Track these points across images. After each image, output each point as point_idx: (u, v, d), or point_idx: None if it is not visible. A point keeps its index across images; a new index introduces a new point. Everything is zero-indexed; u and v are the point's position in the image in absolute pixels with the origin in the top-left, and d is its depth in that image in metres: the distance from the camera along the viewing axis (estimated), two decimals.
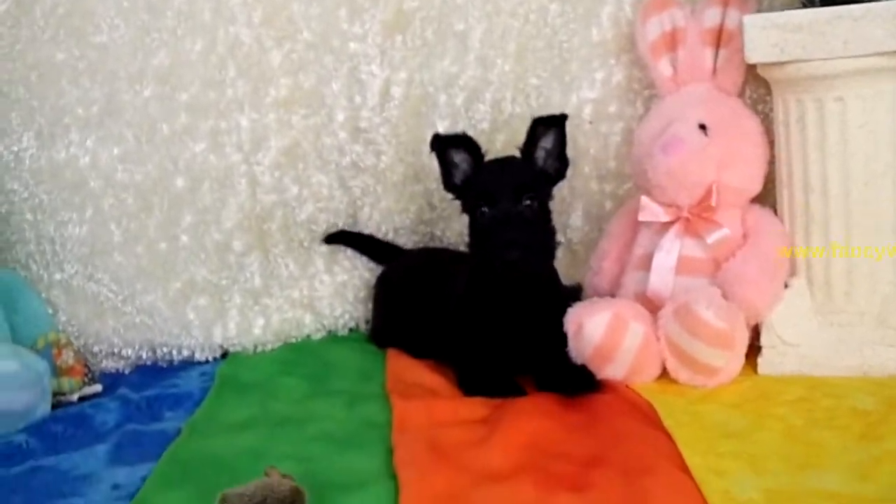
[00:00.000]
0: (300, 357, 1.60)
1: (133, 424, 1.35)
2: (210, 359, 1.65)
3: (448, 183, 1.45)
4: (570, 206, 1.67)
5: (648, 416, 1.22)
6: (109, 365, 1.63)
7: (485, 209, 1.38)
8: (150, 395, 1.48)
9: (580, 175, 1.63)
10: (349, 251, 1.76)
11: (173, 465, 1.17)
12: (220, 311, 1.66)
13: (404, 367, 1.48)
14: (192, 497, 1.07)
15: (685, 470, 1.05)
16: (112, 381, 1.56)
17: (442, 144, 1.45)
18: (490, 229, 1.36)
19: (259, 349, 1.66)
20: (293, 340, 1.69)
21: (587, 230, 1.68)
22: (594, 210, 1.65)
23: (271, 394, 1.44)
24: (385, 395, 1.37)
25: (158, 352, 1.64)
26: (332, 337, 1.72)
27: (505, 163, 1.43)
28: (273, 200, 1.68)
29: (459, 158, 1.44)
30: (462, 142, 1.44)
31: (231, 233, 1.66)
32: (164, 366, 1.64)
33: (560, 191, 1.54)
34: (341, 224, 1.74)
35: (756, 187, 1.46)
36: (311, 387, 1.46)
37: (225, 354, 1.65)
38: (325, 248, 1.74)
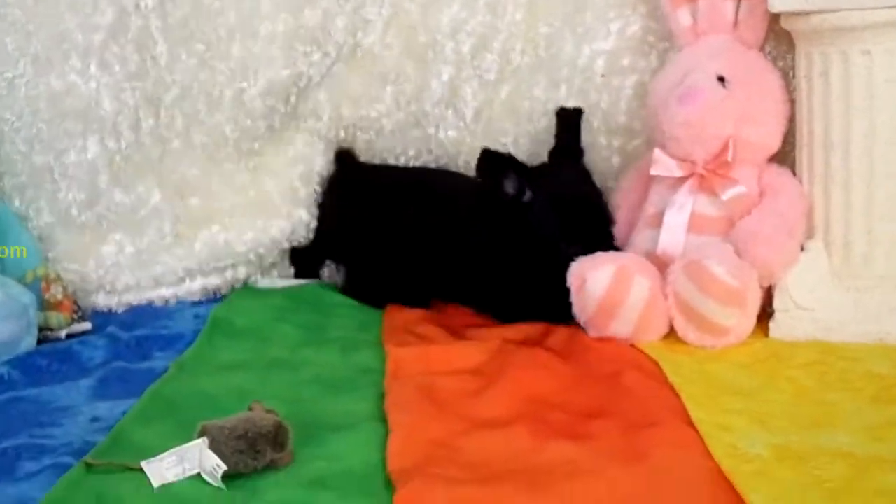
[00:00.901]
0: (297, 304, 1.55)
1: (120, 362, 1.30)
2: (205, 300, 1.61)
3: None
4: None
5: (653, 373, 1.17)
6: (101, 303, 1.58)
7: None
8: (141, 335, 1.43)
9: (589, 130, 1.57)
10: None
11: (156, 401, 1.13)
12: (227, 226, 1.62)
13: (403, 319, 1.43)
14: (172, 430, 1.02)
15: (690, 424, 1.00)
16: (103, 320, 1.51)
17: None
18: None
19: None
20: None
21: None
22: (601, 165, 1.59)
23: (265, 339, 1.39)
24: (381, 344, 1.32)
25: (152, 292, 1.59)
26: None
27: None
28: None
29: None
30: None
31: None
32: (160, 305, 1.59)
33: None
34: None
35: (775, 144, 1.40)
36: (307, 334, 1.41)
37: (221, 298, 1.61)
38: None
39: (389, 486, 0.89)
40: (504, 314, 1.42)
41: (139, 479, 0.93)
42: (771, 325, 1.31)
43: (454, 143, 1.63)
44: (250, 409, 0.98)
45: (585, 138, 1.53)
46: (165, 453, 0.94)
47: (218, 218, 1.62)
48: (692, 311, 1.27)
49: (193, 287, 1.60)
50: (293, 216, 1.65)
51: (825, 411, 1.04)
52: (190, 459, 0.94)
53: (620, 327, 1.30)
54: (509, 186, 1.39)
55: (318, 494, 0.89)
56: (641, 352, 1.25)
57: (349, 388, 1.17)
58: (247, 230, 1.61)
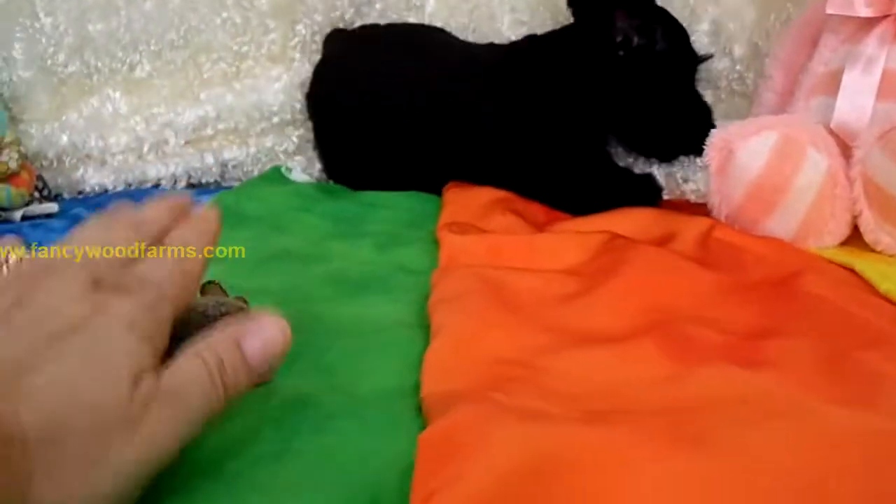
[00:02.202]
0: (331, 195, 1.17)
1: None
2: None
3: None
4: (695, 16, 1.19)
5: (846, 279, 0.76)
6: (92, 180, 1.22)
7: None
8: None
9: None
10: None
11: None
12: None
13: (470, 209, 1.02)
14: None
15: None
16: (72, 204, 1.16)
17: None
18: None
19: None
20: None
21: (718, 53, 1.19)
22: (729, 18, 1.18)
23: (281, 229, 1.01)
24: (433, 241, 0.93)
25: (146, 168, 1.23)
26: None
27: None
28: None
29: None
30: None
31: None
32: (153, 187, 1.23)
33: None
34: None
35: None
36: (336, 226, 1.03)
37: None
38: None
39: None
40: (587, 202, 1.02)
41: None
42: None
43: None
44: (203, 292, 0.60)
45: None
46: None
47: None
48: (891, 202, 0.85)
49: (206, 161, 1.24)
50: None
51: None
52: None
53: (781, 223, 0.89)
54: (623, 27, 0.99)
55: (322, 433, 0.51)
56: (820, 255, 0.84)
57: (379, 289, 0.78)
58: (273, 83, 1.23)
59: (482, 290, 0.69)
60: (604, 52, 1.04)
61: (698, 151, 0.95)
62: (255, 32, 1.23)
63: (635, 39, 1.03)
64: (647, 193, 1.05)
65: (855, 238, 0.89)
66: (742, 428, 0.48)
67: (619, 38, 1.03)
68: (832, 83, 0.97)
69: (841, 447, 0.45)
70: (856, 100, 0.94)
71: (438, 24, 1.23)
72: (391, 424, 0.49)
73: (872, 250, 0.87)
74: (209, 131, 1.23)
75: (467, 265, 0.76)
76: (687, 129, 1.07)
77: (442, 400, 0.49)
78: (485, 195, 1.04)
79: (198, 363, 0.42)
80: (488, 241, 0.85)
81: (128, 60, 1.22)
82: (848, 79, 0.95)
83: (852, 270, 0.78)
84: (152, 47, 1.22)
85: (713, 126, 0.98)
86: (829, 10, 0.98)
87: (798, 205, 0.88)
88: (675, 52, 1.06)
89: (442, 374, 0.54)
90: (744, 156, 0.89)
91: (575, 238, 0.86)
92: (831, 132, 0.92)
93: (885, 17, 0.95)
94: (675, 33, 1.08)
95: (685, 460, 0.44)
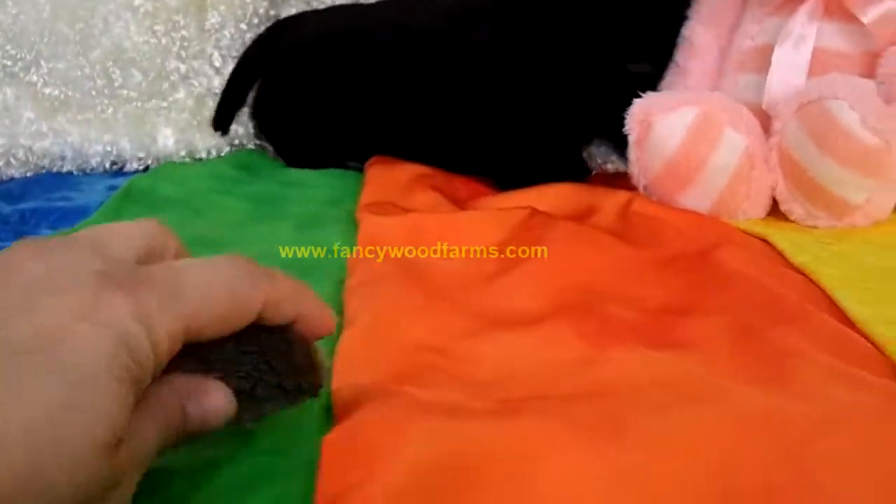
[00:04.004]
0: (251, 174, 1.15)
1: None
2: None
3: None
4: None
5: (763, 251, 0.77)
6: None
7: None
8: (28, 208, 1.04)
9: None
10: None
11: None
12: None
13: (392, 186, 1.01)
14: None
15: (847, 323, 0.60)
16: None
17: None
18: None
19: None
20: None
21: None
22: None
23: (197, 211, 0.99)
24: (354, 221, 0.92)
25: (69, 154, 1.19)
26: None
27: None
28: None
29: None
30: None
31: None
32: (68, 172, 1.19)
33: None
34: None
35: None
36: (255, 208, 1.01)
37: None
38: None
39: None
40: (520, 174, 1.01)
41: None
42: None
43: None
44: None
45: None
46: None
47: None
48: (805, 175, 0.85)
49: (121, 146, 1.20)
50: None
51: None
52: None
53: (695, 200, 0.89)
54: None
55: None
56: (736, 228, 0.85)
57: (298, 271, 0.77)
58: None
59: (399, 274, 0.68)
60: None
61: None
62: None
63: None
64: (575, 170, 1.05)
65: (773, 210, 0.90)
66: (656, 414, 0.48)
67: None
68: (762, 59, 0.97)
69: (755, 430, 0.46)
70: (786, 78, 0.94)
71: None
72: (297, 427, 0.48)
73: (788, 220, 0.88)
74: None
75: (385, 248, 0.75)
76: None
77: (351, 397, 0.48)
78: (407, 171, 1.03)
79: (150, 425, 0.36)
80: (408, 221, 0.83)
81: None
82: (778, 57, 0.94)
83: (767, 241, 0.78)
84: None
85: None
86: None
87: (712, 184, 0.88)
88: None
89: (353, 366, 0.53)
90: (662, 130, 0.89)
91: (495, 215, 0.86)
92: (761, 113, 0.93)
93: None
94: None
95: (598, 450, 0.43)
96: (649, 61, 0.96)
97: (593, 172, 1.09)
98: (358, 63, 1.09)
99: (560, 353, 0.56)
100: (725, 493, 0.42)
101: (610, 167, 1.11)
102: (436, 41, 1.06)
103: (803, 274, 0.69)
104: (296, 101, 1.15)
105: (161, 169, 1.16)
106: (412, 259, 0.72)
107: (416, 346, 0.57)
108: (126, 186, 1.05)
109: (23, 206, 1.04)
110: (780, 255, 0.75)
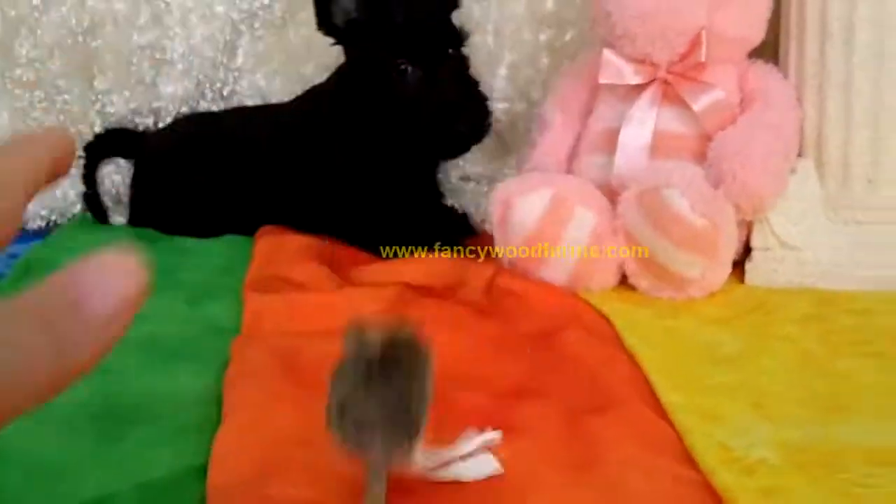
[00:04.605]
0: (147, 240, 1.21)
1: None
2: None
3: (325, 22, 1.08)
4: (495, 60, 1.28)
5: (602, 332, 0.87)
6: None
7: (407, 67, 1.04)
8: None
9: (511, 18, 1.25)
10: None
11: None
12: None
13: (279, 254, 1.09)
14: None
15: (658, 410, 0.70)
16: None
17: None
18: (424, 95, 1.04)
19: None
20: None
21: (515, 96, 1.30)
22: (525, 67, 1.28)
23: None
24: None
25: None
26: None
27: None
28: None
29: None
30: None
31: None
32: None
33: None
34: None
35: (758, 35, 1.08)
36: (150, 277, 1.07)
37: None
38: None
39: None
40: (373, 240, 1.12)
41: None
42: (747, 266, 1.01)
43: None
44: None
45: (505, 30, 1.20)
46: None
47: None
48: (646, 254, 0.96)
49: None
50: None
51: (841, 386, 0.75)
52: None
53: (555, 271, 0.99)
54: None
55: None
56: (585, 302, 0.95)
57: (188, 355, 0.84)
58: None
59: (275, 364, 0.76)
60: (373, 75, 1.09)
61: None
62: None
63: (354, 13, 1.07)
64: (460, 229, 1.16)
65: (624, 282, 1.00)
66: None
67: (340, 19, 1.07)
68: (608, 141, 1.08)
69: None
70: (632, 157, 1.05)
71: None
72: None
73: (637, 290, 0.99)
74: None
75: (265, 334, 0.83)
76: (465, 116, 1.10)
77: (224, 494, 0.56)
78: (294, 242, 1.11)
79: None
80: (289, 300, 0.92)
81: None
82: (623, 137, 1.06)
83: (607, 318, 0.89)
84: None
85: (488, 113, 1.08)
86: (602, 80, 1.08)
87: (567, 258, 0.98)
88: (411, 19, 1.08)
89: (225, 463, 0.61)
90: (520, 210, 0.99)
91: (370, 292, 0.94)
92: (610, 189, 1.03)
93: (653, 81, 1.06)
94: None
95: None
96: None
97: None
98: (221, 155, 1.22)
99: None
100: None
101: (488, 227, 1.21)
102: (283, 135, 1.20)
103: (629, 353, 0.79)
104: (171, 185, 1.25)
105: (58, 237, 1.21)
106: (288, 345, 0.80)
107: (282, 440, 0.65)
108: (25, 259, 1.11)
109: None
110: (618, 335, 0.85)
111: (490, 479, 0.59)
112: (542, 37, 1.27)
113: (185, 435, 0.68)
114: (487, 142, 1.22)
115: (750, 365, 0.78)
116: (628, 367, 0.77)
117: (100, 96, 1.29)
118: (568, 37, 1.27)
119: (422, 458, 0.54)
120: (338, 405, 0.50)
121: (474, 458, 0.60)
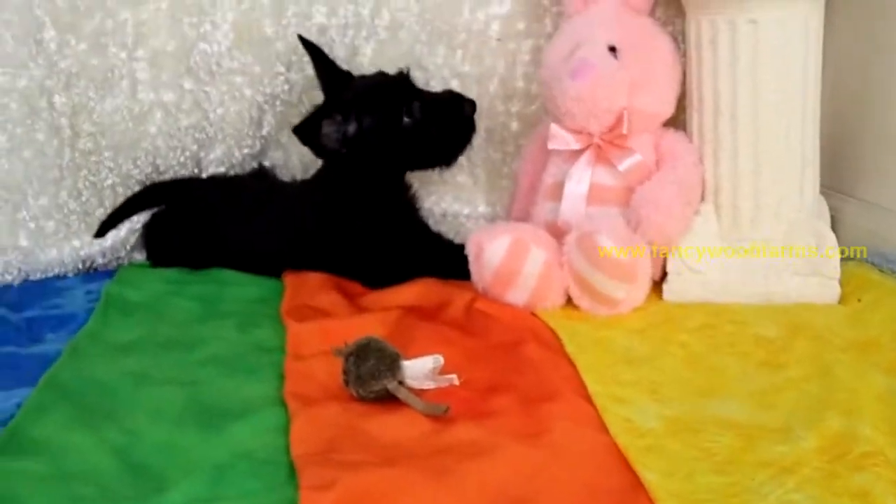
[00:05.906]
0: (193, 276, 1.53)
1: (10, 347, 1.26)
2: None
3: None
4: None
5: (551, 343, 1.20)
6: None
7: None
8: (31, 316, 1.39)
9: (486, 94, 1.58)
10: None
11: (51, 389, 1.08)
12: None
13: (302, 289, 1.41)
14: (68, 419, 1.01)
15: (586, 397, 1.03)
16: None
17: None
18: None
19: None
20: None
21: (490, 152, 1.63)
22: (498, 130, 1.61)
23: (159, 314, 1.36)
24: (280, 319, 1.31)
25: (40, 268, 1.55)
26: None
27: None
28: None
29: None
30: None
31: None
32: (49, 279, 1.55)
33: None
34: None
35: (668, 110, 1.43)
36: (202, 308, 1.39)
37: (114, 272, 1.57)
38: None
39: (293, 473, 0.89)
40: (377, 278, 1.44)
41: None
42: (664, 287, 1.35)
43: None
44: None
45: (482, 103, 1.53)
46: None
47: None
48: (585, 282, 1.29)
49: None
50: None
51: (715, 378, 1.08)
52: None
53: (517, 295, 1.32)
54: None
55: (220, 485, 0.90)
56: (540, 320, 1.27)
57: (247, 369, 1.16)
58: None
59: (319, 375, 1.09)
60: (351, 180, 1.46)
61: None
62: None
63: (350, 130, 1.42)
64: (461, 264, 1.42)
65: (570, 302, 1.32)
66: (471, 462, 0.89)
67: (331, 145, 1.42)
68: (557, 192, 1.41)
69: (518, 471, 0.88)
70: (573, 204, 1.39)
71: None
72: (274, 477, 0.89)
73: (580, 309, 1.31)
74: None
75: (308, 353, 1.15)
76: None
77: (307, 459, 0.89)
78: (314, 278, 1.44)
79: None
80: (320, 326, 1.24)
81: None
82: (567, 189, 1.39)
83: (555, 332, 1.21)
84: None
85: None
86: (551, 146, 1.42)
87: (527, 282, 1.31)
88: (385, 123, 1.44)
89: (302, 441, 0.93)
90: (489, 251, 1.31)
91: (379, 316, 1.27)
92: (558, 228, 1.36)
93: (589, 146, 1.39)
94: (377, 105, 1.45)
95: (433, 487, 0.84)
96: None
97: None
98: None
99: (418, 427, 0.97)
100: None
101: None
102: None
103: (571, 360, 1.12)
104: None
105: (124, 274, 1.53)
106: (326, 359, 1.12)
107: (337, 426, 0.97)
108: (104, 296, 1.42)
109: (27, 314, 1.39)
110: (561, 344, 1.17)
111: (471, 445, 0.92)
112: (513, 108, 1.60)
113: (265, 424, 1.00)
114: (466, 181, 1.59)
115: (651, 363, 1.12)
116: (568, 368, 1.11)
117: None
118: (533, 107, 1.59)
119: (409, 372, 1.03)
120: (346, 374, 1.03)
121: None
